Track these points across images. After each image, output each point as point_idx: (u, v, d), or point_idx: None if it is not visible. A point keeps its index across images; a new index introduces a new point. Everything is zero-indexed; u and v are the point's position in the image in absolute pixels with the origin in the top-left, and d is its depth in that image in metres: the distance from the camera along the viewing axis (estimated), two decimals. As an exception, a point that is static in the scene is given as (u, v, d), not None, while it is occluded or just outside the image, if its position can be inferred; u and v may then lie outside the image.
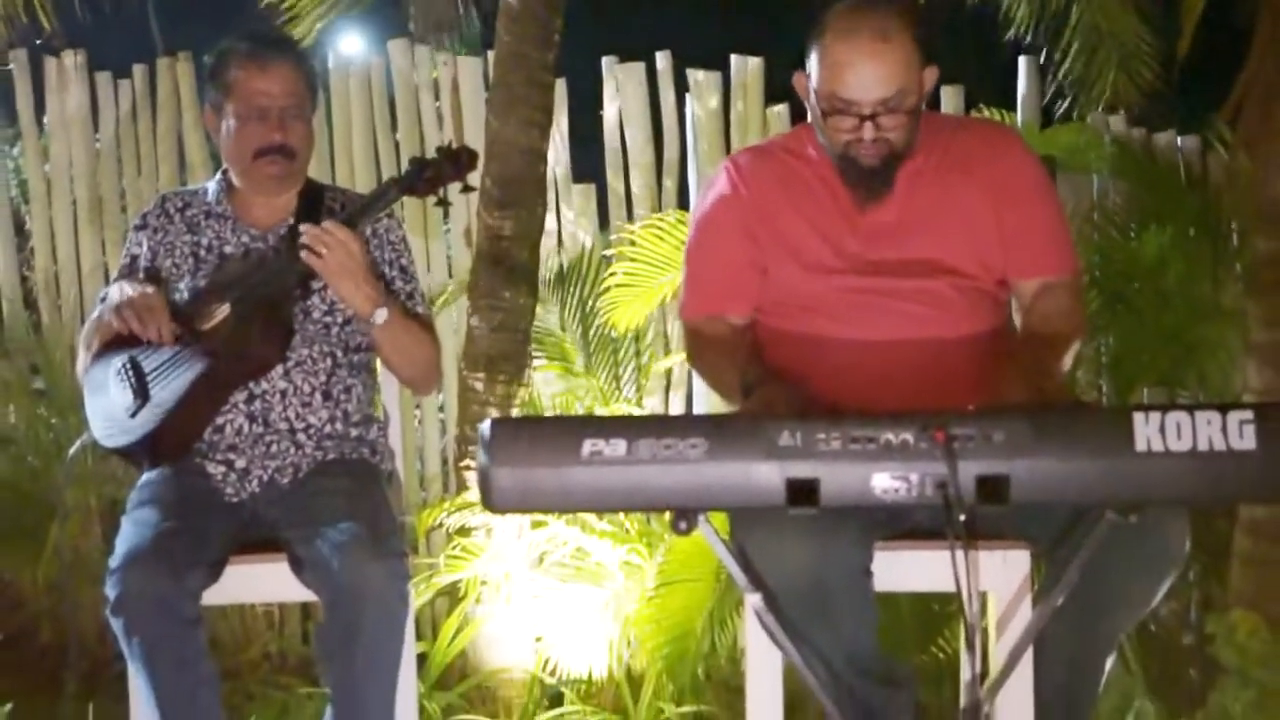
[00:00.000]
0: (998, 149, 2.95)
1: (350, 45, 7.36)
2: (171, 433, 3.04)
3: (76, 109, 6.20)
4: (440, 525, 5.22)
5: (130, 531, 2.90)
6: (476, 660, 5.21)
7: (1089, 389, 5.24)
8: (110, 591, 2.79)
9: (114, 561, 2.83)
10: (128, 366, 3.08)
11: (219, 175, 3.26)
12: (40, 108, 6.35)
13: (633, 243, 5.24)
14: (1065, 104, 6.25)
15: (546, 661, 5.05)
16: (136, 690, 2.85)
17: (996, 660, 2.64)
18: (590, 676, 5.07)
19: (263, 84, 3.09)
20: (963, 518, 2.21)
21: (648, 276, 5.14)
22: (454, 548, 5.15)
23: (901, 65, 2.74)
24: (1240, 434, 2.22)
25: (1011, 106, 5.72)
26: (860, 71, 2.73)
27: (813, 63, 2.80)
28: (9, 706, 4.37)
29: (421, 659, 4.91)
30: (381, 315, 3.01)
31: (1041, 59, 6.10)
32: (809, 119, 2.91)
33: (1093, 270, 5.19)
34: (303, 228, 2.98)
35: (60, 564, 5.27)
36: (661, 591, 4.65)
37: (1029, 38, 6.22)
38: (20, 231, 6.47)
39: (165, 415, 3.03)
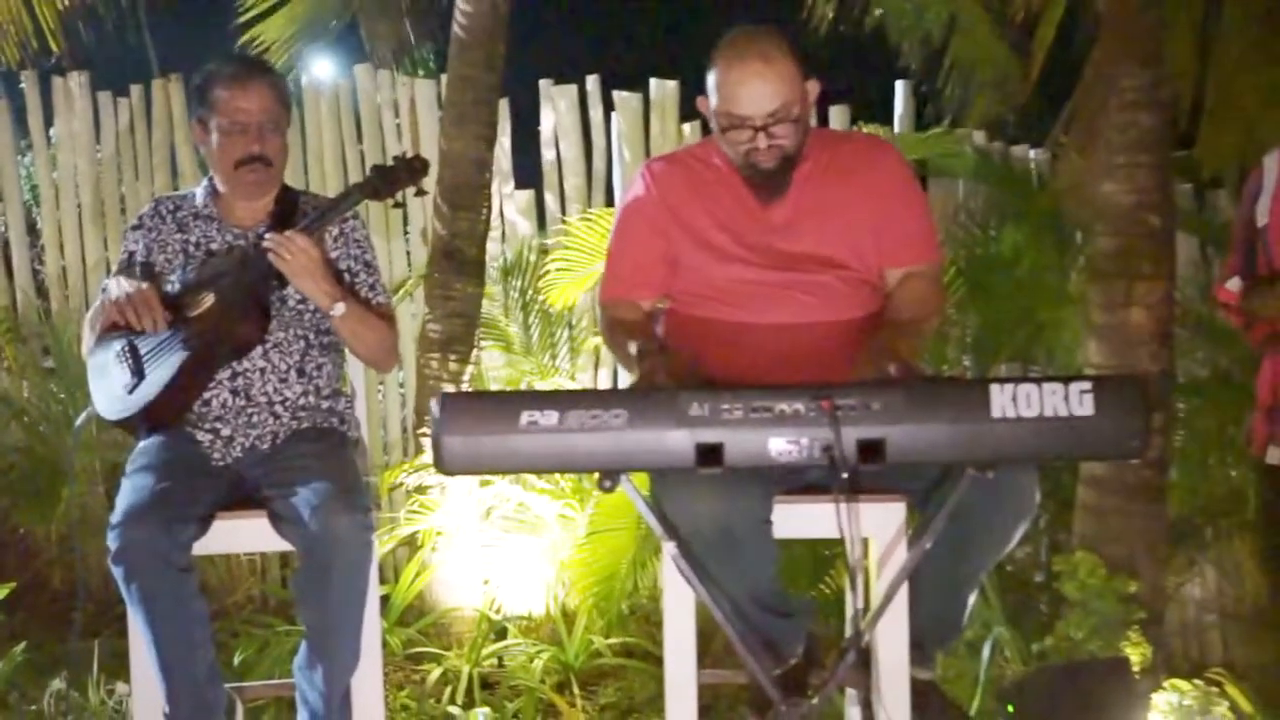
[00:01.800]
0: (875, 158, 2.95)
1: (322, 69, 7.31)
2: (164, 406, 3.00)
3: (81, 124, 6.16)
4: (400, 484, 5.22)
5: (129, 491, 2.86)
6: (432, 600, 5.20)
7: (954, 364, 5.28)
8: (112, 543, 2.75)
9: (115, 517, 2.79)
10: (126, 349, 3.04)
11: (206, 181, 3.21)
12: (49, 123, 6.29)
13: (568, 233, 5.25)
14: (947, 122, 6.29)
15: (493, 601, 5.05)
16: (136, 629, 2.81)
17: (877, 596, 2.64)
18: (530, 614, 5.08)
19: (243, 102, 3.05)
20: (846, 475, 2.23)
21: (581, 263, 5.14)
22: (412, 504, 5.15)
23: (784, 82, 2.73)
24: (1081, 402, 2.24)
25: (890, 123, 5.74)
26: (750, 91, 2.73)
27: (710, 87, 2.79)
28: (23, 644, 4.33)
29: (384, 599, 4.90)
30: (339, 309, 3.00)
31: (918, 83, 6.14)
32: (714, 132, 2.90)
33: (958, 262, 5.23)
34: (266, 236, 2.96)
35: (69, 520, 5.23)
36: (591, 540, 4.65)
37: (909, 65, 6.26)
38: (32, 231, 6.41)
39: (159, 391, 2.99)
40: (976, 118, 6.14)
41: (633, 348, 2.71)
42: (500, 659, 4.88)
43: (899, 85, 5.86)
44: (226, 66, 3.12)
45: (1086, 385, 2.25)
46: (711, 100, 2.79)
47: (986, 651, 4.11)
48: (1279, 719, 3.82)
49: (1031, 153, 5.77)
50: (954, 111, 6.28)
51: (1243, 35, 5.12)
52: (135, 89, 6.14)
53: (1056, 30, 5.32)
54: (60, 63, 6.38)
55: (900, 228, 2.87)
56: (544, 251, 5.51)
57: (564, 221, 5.55)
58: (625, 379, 5.45)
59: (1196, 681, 4.00)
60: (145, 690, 2.84)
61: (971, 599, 2.83)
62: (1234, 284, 2.92)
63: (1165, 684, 3.98)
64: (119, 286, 3.01)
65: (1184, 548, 5.04)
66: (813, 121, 2.89)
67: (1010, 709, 3.12)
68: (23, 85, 6.31)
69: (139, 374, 3.01)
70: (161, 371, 3.00)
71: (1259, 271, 2.91)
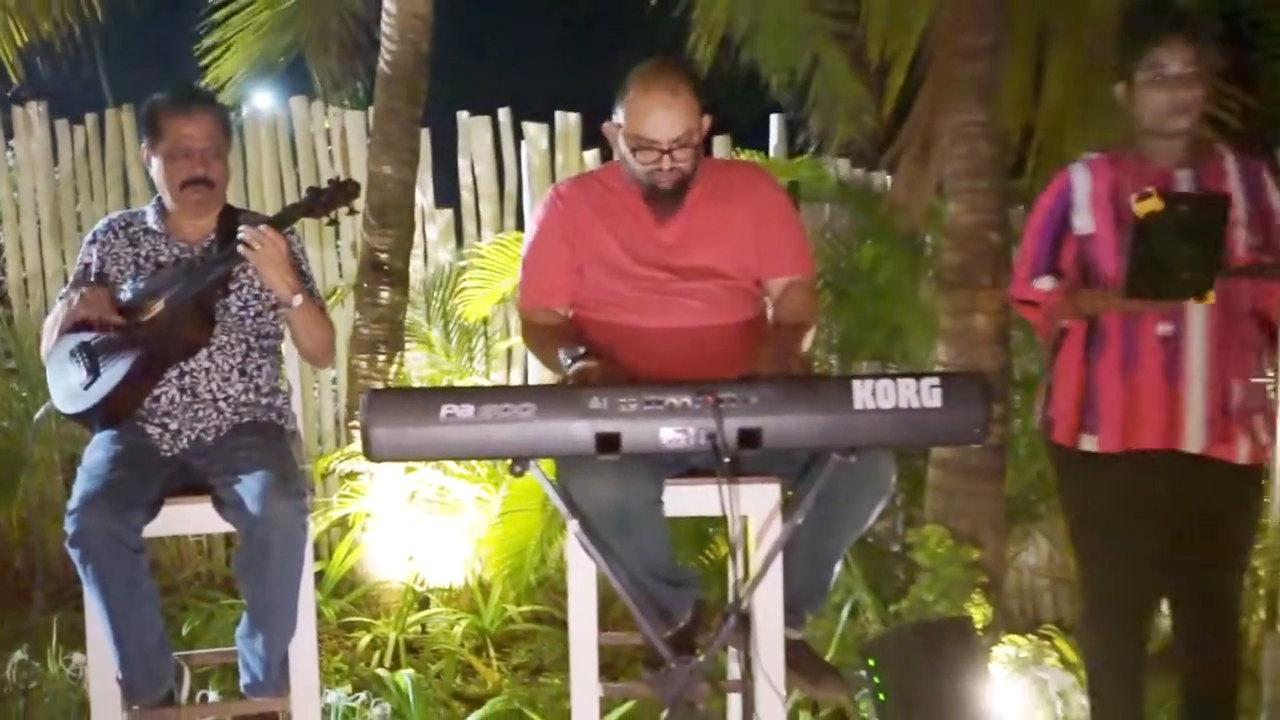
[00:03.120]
0: (755, 182, 2.96)
1: (262, 101, 7.21)
2: (117, 402, 2.93)
3: (39, 148, 6.05)
4: (333, 471, 5.18)
5: (85, 480, 2.79)
6: (362, 574, 5.15)
7: (822, 363, 5.33)
8: (69, 527, 2.69)
9: (72, 504, 2.72)
10: (82, 350, 2.97)
11: (155, 200, 3.14)
12: (9, 147, 6.14)
13: (481, 255, 5.24)
14: (812, 150, 6.35)
15: (417, 575, 5.02)
16: (91, 605, 2.75)
17: (755, 566, 2.65)
18: (450, 585, 5.05)
19: (188, 129, 2.98)
20: (728, 460, 2.24)
21: (493, 280, 5.13)
22: (344, 489, 5.10)
23: (687, 113, 2.74)
24: (931, 395, 2.26)
25: (766, 150, 5.79)
26: (659, 118, 2.73)
27: (621, 114, 2.78)
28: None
29: (319, 575, 4.85)
30: (298, 300, 2.95)
31: (789, 115, 6.21)
32: (615, 157, 2.90)
33: (825, 275, 5.28)
34: (242, 227, 2.91)
35: (29, 506, 5.12)
36: (504, 519, 4.63)
37: (779, 99, 6.32)
38: (-6, 245, 6.26)
39: (112, 388, 2.92)
40: (836, 145, 6.22)
41: (563, 354, 2.69)
42: (424, 626, 4.85)
43: (774, 118, 5.92)
44: (173, 97, 3.05)
45: (935, 381, 2.28)
46: (622, 125, 2.78)
47: (845, 613, 4.15)
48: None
49: (888, 178, 5.84)
50: (817, 139, 6.36)
51: (1066, 77, 5.22)
52: (90, 117, 6.06)
53: (908, 71, 5.38)
54: (20, 93, 6.26)
55: (780, 242, 2.88)
56: (461, 271, 5.49)
57: (476, 246, 5.53)
58: (535, 377, 5.45)
59: (1031, 636, 4.08)
60: (100, 660, 2.78)
61: (837, 568, 2.84)
62: (1045, 282, 2.94)
63: (1004, 639, 4.05)
64: (76, 293, 2.94)
65: (1019, 521, 5.13)
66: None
67: (871, 663, 3.15)
68: (-16, 113, 6.16)
69: (94, 373, 2.95)
70: (115, 371, 2.93)
71: (1066, 272, 2.92)
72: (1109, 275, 2.84)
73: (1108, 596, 2.98)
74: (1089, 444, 2.88)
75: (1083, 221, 2.89)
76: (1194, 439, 2.81)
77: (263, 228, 2.91)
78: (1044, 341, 3.09)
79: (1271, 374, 2.91)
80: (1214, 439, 2.81)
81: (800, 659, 2.82)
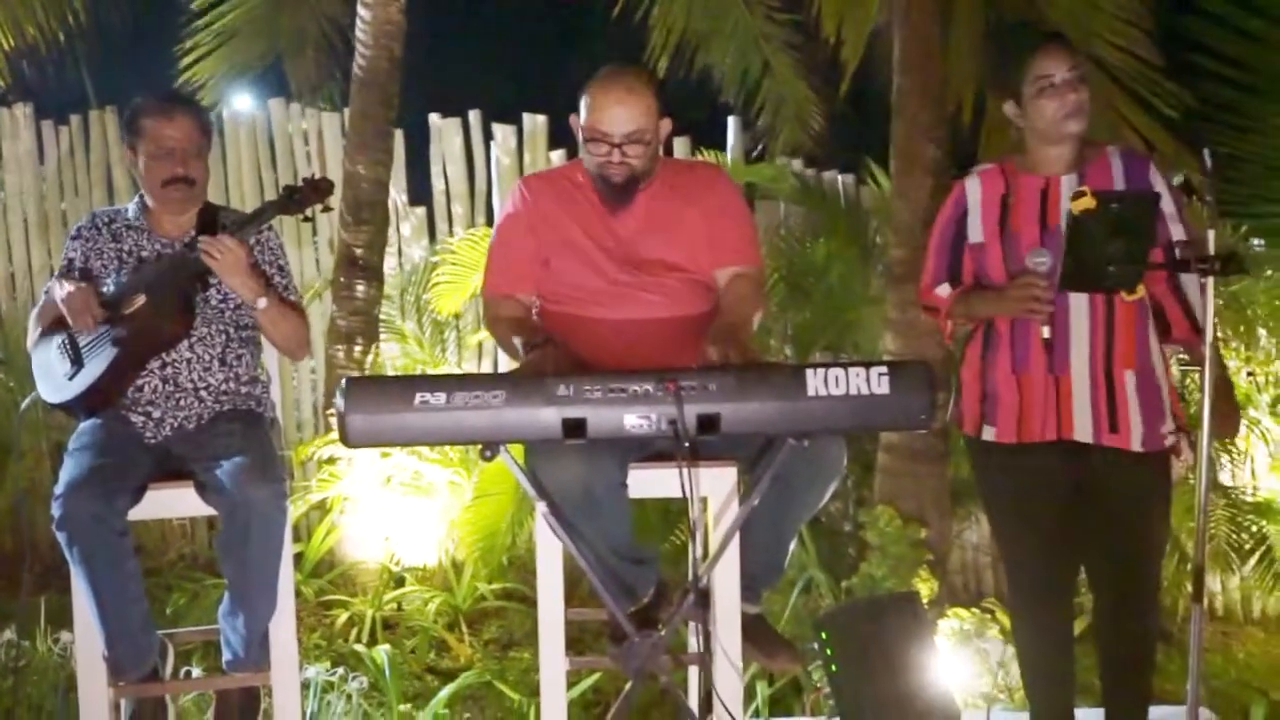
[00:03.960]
0: (710, 181, 2.96)
1: (242, 103, 7.16)
2: (101, 391, 2.90)
3: (26, 149, 6.00)
4: (312, 457, 5.15)
5: (71, 466, 2.76)
6: (340, 555, 5.14)
7: (778, 352, 5.35)
8: (56, 512, 2.66)
9: (58, 489, 2.69)
10: (66, 342, 2.93)
11: (137, 198, 3.11)
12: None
13: (453, 251, 5.23)
14: (761, 148, 6.39)
15: (392, 555, 5.01)
16: (78, 586, 2.72)
17: (714, 545, 2.66)
18: (425, 565, 5.05)
19: (169, 130, 2.95)
20: (688, 444, 2.24)
21: (464, 275, 5.12)
22: (323, 473, 5.08)
23: (642, 112, 2.73)
24: (879, 383, 2.27)
25: (724, 150, 5.80)
26: (613, 112, 2.72)
27: (583, 106, 2.78)
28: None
29: (299, 556, 4.83)
30: (263, 303, 2.92)
31: (745, 117, 6.24)
32: (579, 154, 2.89)
33: (780, 270, 5.30)
34: (200, 239, 2.88)
35: (18, 491, 5.07)
36: (476, 502, 4.63)
37: (737, 103, 6.35)
38: (-18, 241, 6.18)
39: (96, 378, 2.89)
40: (783, 144, 6.26)
41: (519, 341, 2.69)
42: (399, 604, 4.84)
43: (731, 120, 5.93)
44: (154, 99, 3.02)
45: (884, 369, 2.28)
46: (581, 117, 2.78)
47: (799, 588, 4.18)
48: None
49: (840, 178, 5.87)
50: (765, 139, 6.43)
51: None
52: (75, 118, 6.02)
53: (854, 78, 5.42)
54: (6, 95, 6.19)
55: (728, 235, 2.88)
56: (433, 267, 5.47)
57: (448, 241, 5.52)
58: (504, 366, 5.44)
59: (974, 610, 4.11)
60: (87, 638, 2.75)
61: (791, 546, 2.85)
62: (944, 289, 2.97)
63: (949, 613, 4.08)
64: (61, 288, 2.91)
65: (963, 502, 5.17)
66: (661, 152, 2.89)
67: (824, 636, 3.16)
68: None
69: (78, 364, 2.92)
70: (98, 361, 2.90)
71: (965, 279, 2.95)
72: (995, 280, 2.87)
73: (1024, 575, 3.02)
74: (989, 434, 2.92)
75: (974, 231, 2.92)
76: (1083, 430, 2.83)
77: (221, 236, 2.87)
78: (950, 344, 3.18)
79: (1182, 360, 2.94)
80: (1102, 429, 2.83)
81: (757, 633, 2.83)
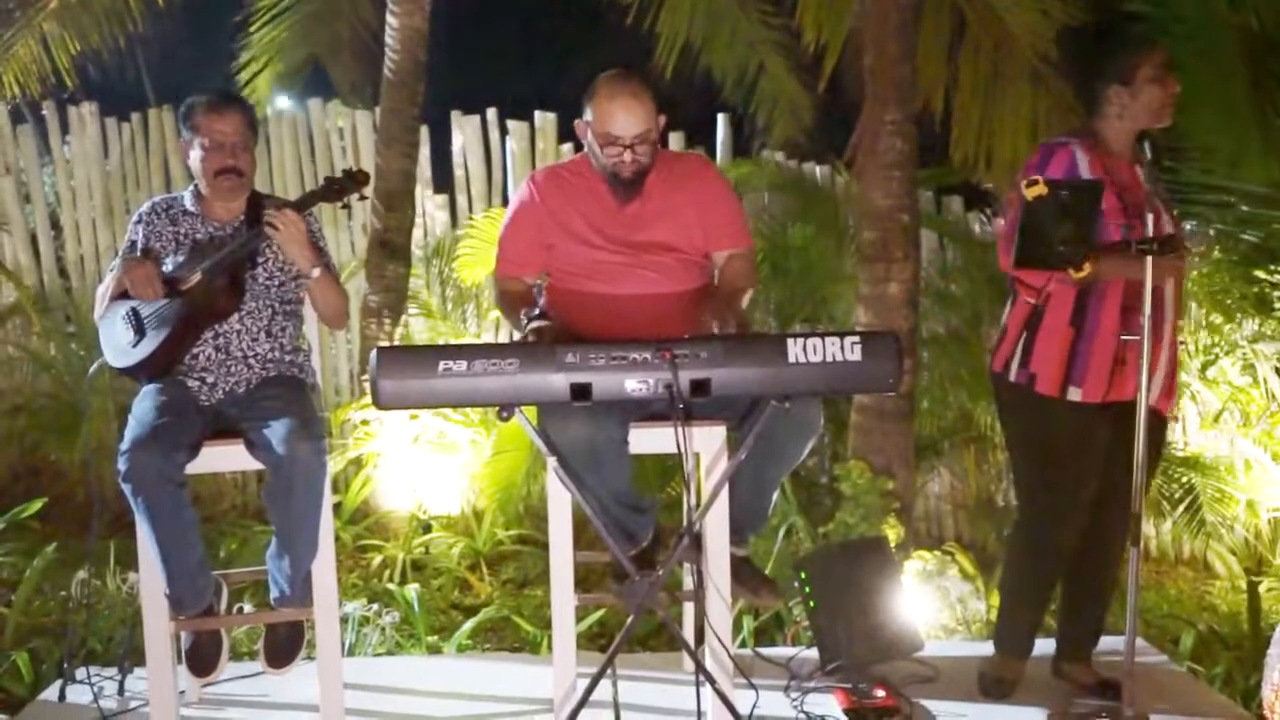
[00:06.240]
0: (702, 172, 2.93)
1: (283, 102, 7.15)
2: (161, 358, 2.88)
3: (91, 143, 5.97)
4: (349, 419, 5.15)
5: (134, 425, 2.75)
6: (374, 505, 5.14)
7: (762, 324, 5.34)
8: (121, 466, 2.65)
9: (123, 446, 2.68)
10: (130, 313, 2.92)
11: (192, 187, 3.08)
12: (65, 143, 6.08)
13: (475, 226, 5.20)
14: (758, 144, 6.36)
15: (420, 505, 5.01)
16: (142, 532, 2.72)
17: (705, 495, 2.66)
18: (449, 514, 5.05)
19: (220, 125, 2.92)
20: (682, 406, 2.25)
21: (485, 248, 5.09)
22: (358, 433, 5.08)
23: (647, 114, 2.72)
24: (853, 351, 2.28)
25: (710, 141, 5.77)
26: (623, 118, 2.70)
27: (590, 113, 2.75)
28: (54, 545, 4.20)
29: (337, 506, 4.83)
30: (316, 272, 2.91)
31: (736, 111, 6.21)
32: (584, 150, 2.87)
33: (763, 250, 5.28)
34: (268, 211, 2.87)
35: (88, 448, 5.07)
36: (494, 458, 4.63)
37: (737, 102, 6.32)
38: (55, 226, 6.16)
39: (157, 346, 2.88)
40: (777, 137, 6.22)
41: (523, 315, 2.68)
42: (427, 548, 4.85)
43: (720, 117, 5.90)
44: (207, 97, 2.99)
45: (857, 339, 2.29)
46: (590, 123, 2.76)
47: (781, 534, 4.18)
48: (991, 576, 3.95)
49: (818, 169, 5.85)
50: (761, 133, 6.38)
51: (975, 83, 5.22)
52: (135, 116, 6.00)
53: (832, 75, 5.37)
54: (74, 95, 6.16)
55: (722, 220, 2.86)
56: (456, 241, 5.45)
57: (470, 219, 5.49)
58: (516, 336, 5.43)
59: (936, 552, 4.12)
60: (150, 578, 2.75)
61: (774, 496, 2.85)
62: None
63: (914, 555, 4.09)
64: (124, 265, 2.89)
65: (927, 456, 5.18)
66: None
67: (803, 575, 3.17)
68: (44, 113, 6.07)
69: (141, 333, 2.90)
70: (159, 332, 2.89)
71: None
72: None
73: (1059, 497, 2.88)
74: (1074, 394, 2.81)
75: None
76: (1154, 393, 2.81)
77: (286, 210, 2.87)
78: (1038, 300, 2.88)
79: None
80: (1162, 394, 2.87)
81: (744, 573, 2.84)
